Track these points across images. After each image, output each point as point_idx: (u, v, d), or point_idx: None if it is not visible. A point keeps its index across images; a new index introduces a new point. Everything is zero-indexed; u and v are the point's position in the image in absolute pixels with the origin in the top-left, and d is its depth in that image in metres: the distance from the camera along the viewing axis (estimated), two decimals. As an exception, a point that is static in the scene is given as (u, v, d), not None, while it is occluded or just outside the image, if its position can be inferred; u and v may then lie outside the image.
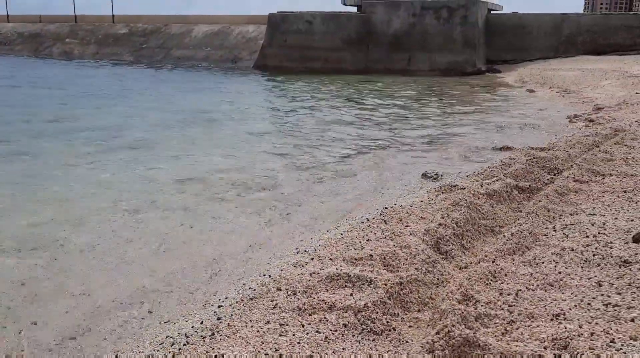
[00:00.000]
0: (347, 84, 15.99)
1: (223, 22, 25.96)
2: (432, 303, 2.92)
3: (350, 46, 20.18)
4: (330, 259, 3.35)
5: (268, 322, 2.65)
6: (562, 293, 2.79)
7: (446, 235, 3.64)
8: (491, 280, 3.02)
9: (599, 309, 2.58)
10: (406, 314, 2.81)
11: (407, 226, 3.86)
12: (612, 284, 2.84)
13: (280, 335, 2.53)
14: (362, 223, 4.13)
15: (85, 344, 2.77)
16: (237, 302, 2.88)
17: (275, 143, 7.68)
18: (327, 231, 4.20)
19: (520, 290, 2.86)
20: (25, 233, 4.24)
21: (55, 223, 4.44)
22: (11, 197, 5.14)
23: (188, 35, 25.83)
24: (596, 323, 2.43)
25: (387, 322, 2.69)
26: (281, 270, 3.29)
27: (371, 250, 3.38)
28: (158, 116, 10.06)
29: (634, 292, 2.73)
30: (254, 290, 3.00)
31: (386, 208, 4.44)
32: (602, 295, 2.73)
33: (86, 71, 20.86)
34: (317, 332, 2.56)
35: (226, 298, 3.08)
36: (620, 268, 3.02)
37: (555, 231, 3.72)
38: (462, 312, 2.56)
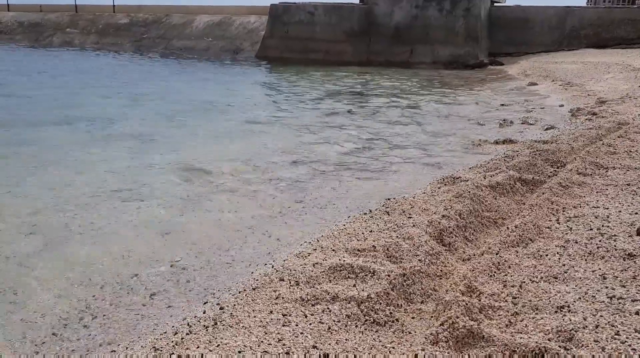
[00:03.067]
0: (348, 76, 15.93)
1: (224, 12, 25.84)
2: (435, 294, 2.91)
3: (352, 37, 20.09)
4: (333, 250, 3.34)
5: (271, 312, 2.64)
6: (566, 286, 2.78)
7: (449, 227, 3.63)
8: (495, 272, 3.01)
9: (603, 302, 2.58)
10: (409, 305, 2.80)
11: (410, 217, 3.85)
12: (617, 277, 2.83)
13: (283, 325, 2.52)
14: (365, 214, 4.12)
15: (85, 332, 2.76)
16: (239, 292, 2.87)
17: (277, 135, 7.65)
18: (330, 222, 4.19)
19: (524, 282, 2.85)
20: (25, 218, 4.23)
21: (56, 210, 4.44)
22: (12, 185, 5.13)
23: (189, 25, 25.72)
24: (601, 316, 2.43)
25: (391, 313, 2.68)
26: (284, 261, 3.28)
27: (374, 241, 3.37)
28: (159, 106, 10.03)
29: (639, 285, 2.72)
30: (257, 280, 3.00)
31: (389, 199, 4.43)
32: (607, 287, 2.72)
33: (86, 60, 20.79)
34: (320, 322, 2.55)
35: (229, 288, 3.08)
36: (624, 260, 3.01)
37: (559, 223, 3.71)
38: (466, 304, 2.55)
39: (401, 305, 2.77)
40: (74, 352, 2.60)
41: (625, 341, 2.22)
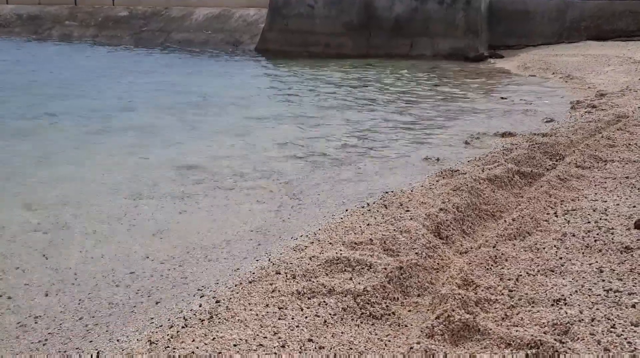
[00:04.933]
0: (348, 69, 15.89)
1: (224, 5, 25.70)
2: (432, 287, 2.90)
3: (352, 31, 19.99)
4: (330, 243, 3.33)
5: (267, 305, 2.64)
6: (563, 279, 2.77)
7: (447, 220, 3.62)
8: (492, 265, 3.00)
9: (599, 295, 2.58)
10: (406, 299, 2.80)
11: (408, 210, 3.84)
12: (614, 270, 2.82)
13: (279, 319, 2.52)
14: (362, 207, 4.11)
15: (82, 329, 2.76)
16: (236, 285, 2.86)
17: (276, 129, 7.63)
18: (327, 215, 4.18)
19: (520, 275, 2.85)
20: (23, 215, 4.23)
21: (54, 206, 4.43)
22: (8, 179, 5.13)
23: (188, 18, 25.61)
24: (597, 309, 2.43)
25: (387, 306, 2.68)
26: (280, 254, 3.27)
27: (371, 234, 3.36)
28: (157, 100, 10.00)
29: (635, 278, 2.72)
30: (253, 273, 2.99)
31: (387, 192, 4.42)
32: (603, 280, 2.72)
33: (85, 53, 20.73)
34: (316, 315, 2.55)
35: (225, 281, 3.07)
36: (621, 254, 3.01)
37: (556, 216, 3.70)
38: (462, 297, 2.55)
39: (397, 298, 2.77)
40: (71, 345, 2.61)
41: (622, 334, 2.22)
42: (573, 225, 3.49)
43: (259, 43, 21.49)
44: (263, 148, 6.42)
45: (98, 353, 2.51)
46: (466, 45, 18.59)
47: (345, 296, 2.68)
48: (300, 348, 2.32)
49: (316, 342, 2.36)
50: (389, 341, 2.43)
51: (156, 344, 2.35)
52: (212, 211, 4.37)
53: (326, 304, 2.63)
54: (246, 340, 2.35)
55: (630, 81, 10.31)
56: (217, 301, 2.70)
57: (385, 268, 2.90)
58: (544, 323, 2.35)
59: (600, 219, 3.55)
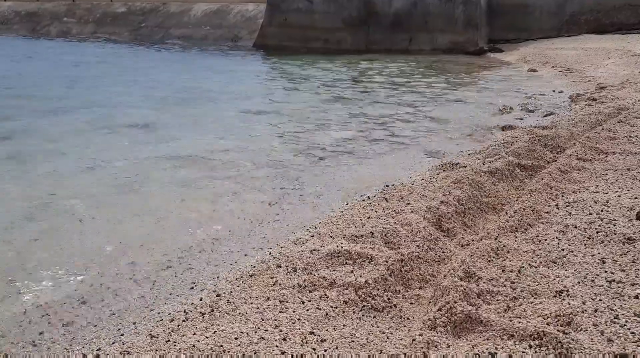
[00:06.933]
0: (347, 64, 15.85)
1: (222, 0, 25.63)
2: (433, 280, 2.89)
3: (351, 26, 19.94)
4: (331, 236, 3.32)
5: (268, 298, 2.62)
6: (565, 270, 2.76)
7: (448, 213, 3.60)
8: (493, 257, 2.99)
9: (602, 286, 2.56)
10: (407, 291, 2.78)
11: (409, 203, 3.83)
12: (616, 261, 2.81)
13: (280, 312, 2.51)
14: (363, 200, 4.10)
15: (82, 322, 2.75)
16: (236, 279, 2.85)
17: (275, 123, 7.62)
18: (327, 208, 4.17)
19: (523, 266, 2.83)
20: (22, 207, 4.21)
21: (53, 199, 4.41)
22: (9, 174, 5.11)
23: (187, 14, 25.53)
24: (600, 300, 2.41)
25: (388, 298, 2.67)
26: (281, 247, 3.26)
27: (372, 228, 3.35)
28: (157, 96, 9.98)
29: (638, 269, 2.70)
30: (254, 266, 2.98)
31: (387, 185, 4.41)
32: (606, 271, 2.70)
33: (83, 50, 20.66)
34: (317, 308, 2.54)
35: (225, 274, 3.06)
36: (623, 245, 2.99)
37: (558, 208, 3.69)
38: (464, 289, 2.53)
39: (399, 291, 2.75)
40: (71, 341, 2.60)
41: (625, 325, 2.20)
42: (575, 217, 3.48)
43: (257, 38, 21.44)
44: (263, 141, 6.41)
45: (99, 350, 2.50)
46: (466, 39, 18.55)
47: (347, 289, 2.67)
48: (302, 341, 2.31)
49: (318, 335, 2.35)
50: (391, 333, 2.42)
51: (157, 338, 2.34)
52: (212, 205, 4.36)
53: (327, 297, 2.62)
54: (247, 333, 2.34)
55: (630, 74, 10.28)
56: (218, 295, 2.68)
57: (387, 261, 2.89)
58: (546, 314, 2.33)
59: (602, 211, 3.53)
